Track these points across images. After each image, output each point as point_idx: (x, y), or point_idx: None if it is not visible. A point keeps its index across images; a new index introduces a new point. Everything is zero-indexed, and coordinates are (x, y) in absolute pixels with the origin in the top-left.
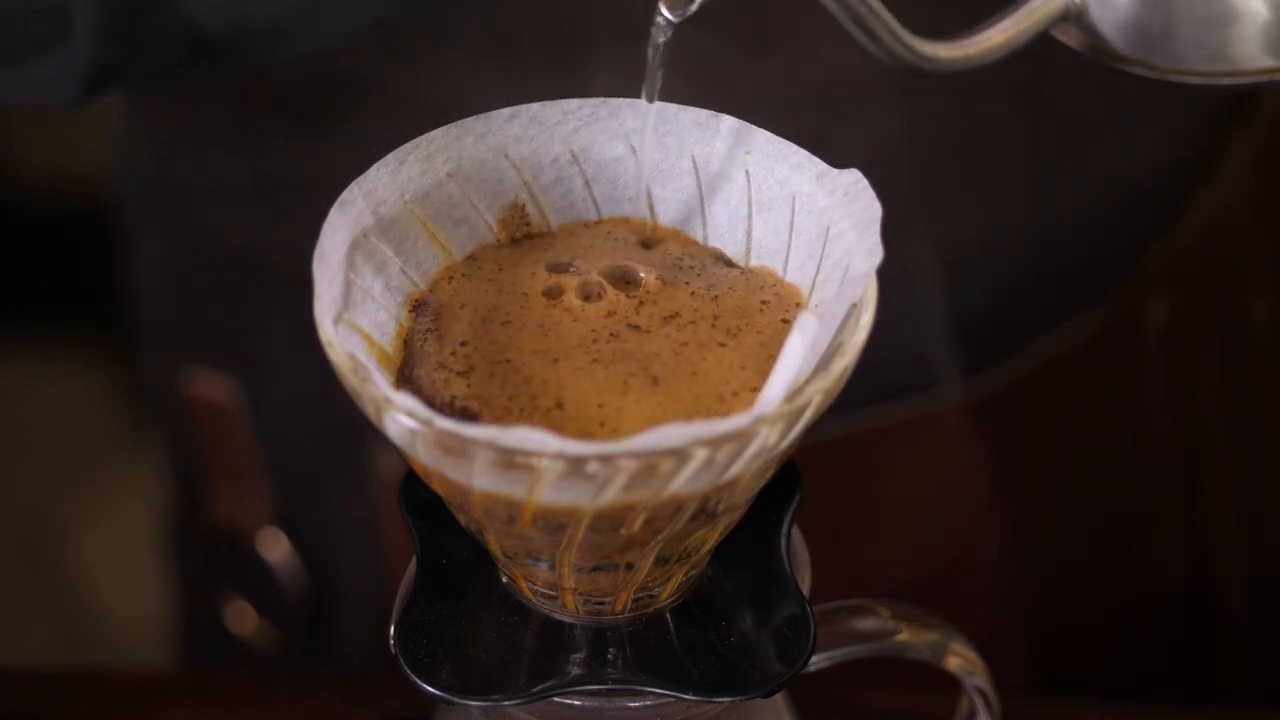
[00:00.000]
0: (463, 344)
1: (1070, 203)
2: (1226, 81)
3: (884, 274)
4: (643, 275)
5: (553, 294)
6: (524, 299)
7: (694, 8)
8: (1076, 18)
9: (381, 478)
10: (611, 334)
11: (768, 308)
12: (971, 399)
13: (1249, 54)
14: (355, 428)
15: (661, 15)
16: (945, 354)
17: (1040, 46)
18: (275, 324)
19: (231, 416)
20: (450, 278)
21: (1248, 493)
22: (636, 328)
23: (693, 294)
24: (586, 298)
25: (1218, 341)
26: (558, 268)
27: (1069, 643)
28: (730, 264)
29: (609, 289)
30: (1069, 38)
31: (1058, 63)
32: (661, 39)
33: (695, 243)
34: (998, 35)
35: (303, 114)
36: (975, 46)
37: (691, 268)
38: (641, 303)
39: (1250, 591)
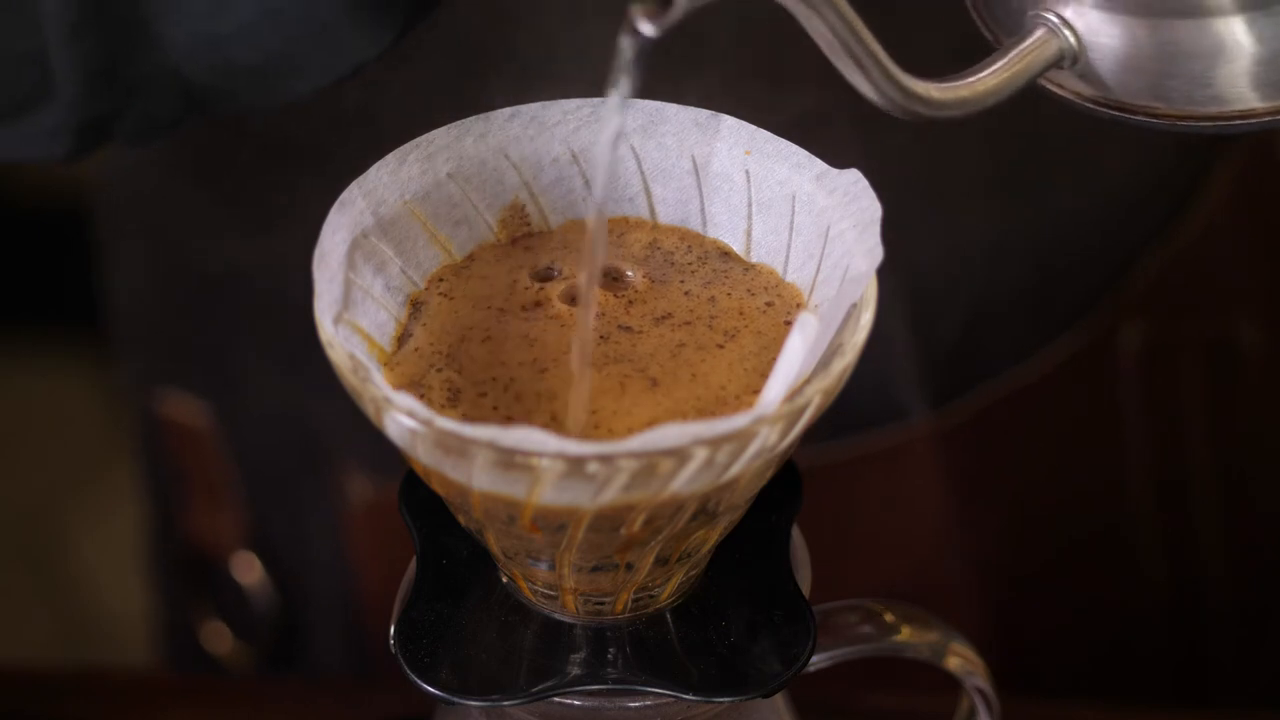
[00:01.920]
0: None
1: (1049, 225)
2: (1234, 124)
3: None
4: (629, 274)
5: (539, 300)
6: (514, 300)
7: (676, 16)
8: (1072, 63)
9: (350, 503)
10: (601, 336)
11: (770, 309)
12: (945, 427)
13: (1239, 93)
14: (326, 451)
15: (633, 28)
16: (919, 382)
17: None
18: (249, 348)
19: (205, 439)
20: (442, 278)
21: (1230, 510)
22: (628, 329)
23: (686, 293)
24: (572, 300)
25: (1198, 366)
26: (540, 274)
27: (1050, 671)
28: (733, 259)
29: (596, 289)
30: (1062, 89)
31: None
32: (631, 54)
33: (697, 238)
34: (990, 79)
35: (276, 141)
36: (969, 89)
37: (687, 264)
38: (631, 302)
39: (1234, 603)
